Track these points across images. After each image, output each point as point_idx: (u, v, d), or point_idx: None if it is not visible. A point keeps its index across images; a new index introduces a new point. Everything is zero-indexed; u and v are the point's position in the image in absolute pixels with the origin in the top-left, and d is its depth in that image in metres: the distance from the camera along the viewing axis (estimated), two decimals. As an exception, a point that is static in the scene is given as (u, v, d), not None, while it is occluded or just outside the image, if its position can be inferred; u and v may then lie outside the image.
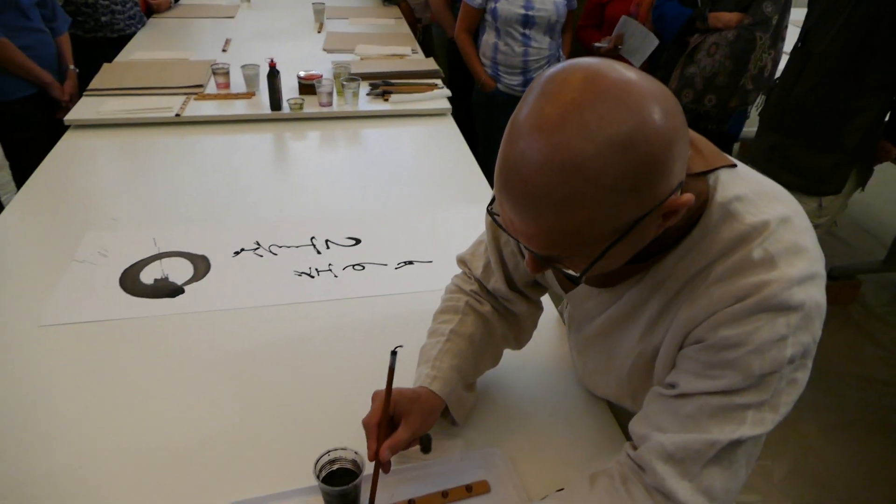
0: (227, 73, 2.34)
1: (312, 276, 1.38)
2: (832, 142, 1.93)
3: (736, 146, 3.07)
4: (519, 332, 1.07)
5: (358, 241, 1.51)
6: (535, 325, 1.09)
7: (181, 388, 1.09)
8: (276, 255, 1.45)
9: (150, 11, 3.39)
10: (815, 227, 0.72)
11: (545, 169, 0.57)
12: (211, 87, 2.36)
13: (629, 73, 0.59)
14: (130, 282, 1.35)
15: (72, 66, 2.62)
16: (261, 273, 1.39)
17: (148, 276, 1.37)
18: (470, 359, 0.99)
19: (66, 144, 1.99)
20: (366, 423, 0.87)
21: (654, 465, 0.73)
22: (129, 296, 1.31)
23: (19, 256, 1.44)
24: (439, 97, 2.35)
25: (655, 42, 2.55)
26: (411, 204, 1.70)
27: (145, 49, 2.82)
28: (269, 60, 2.15)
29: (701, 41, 2.39)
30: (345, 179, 1.82)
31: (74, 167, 1.86)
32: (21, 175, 2.61)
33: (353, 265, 1.42)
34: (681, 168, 0.63)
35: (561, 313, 1.24)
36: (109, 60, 2.62)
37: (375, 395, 0.90)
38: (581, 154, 0.56)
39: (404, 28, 3.37)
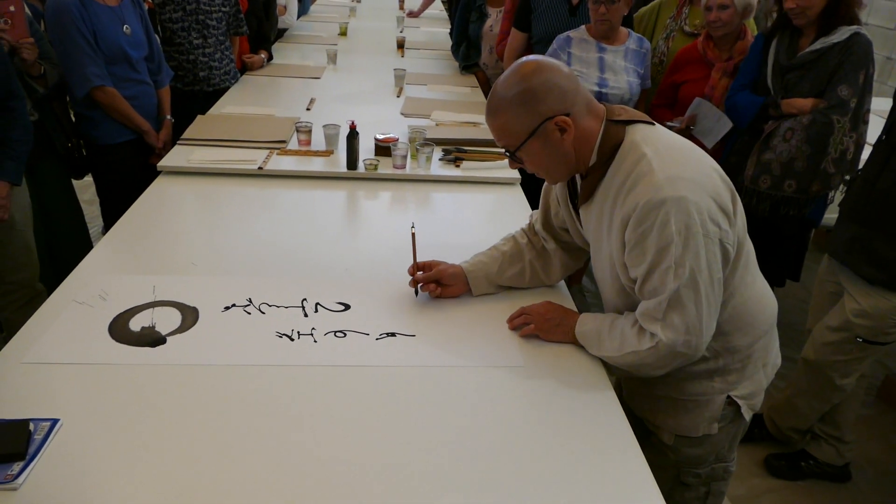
0: (309, 131, 2.45)
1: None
2: (918, 236, 1.86)
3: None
4: (547, 266, 1.57)
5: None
6: (563, 268, 1.57)
7: (141, 440, 1.11)
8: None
9: (245, 68, 3.62)
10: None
11: (491, 100, 1.26)
12: (293, 144, 2.48)
13: (543, 62, 1.23)
14: (119, 328, 1.39)
15: (168, 117, 2.81)
16: (263, 329, 1.42)
17: (137, 324, 1.40)
18: (496, 263, 1.55)
19: (156, 189, 2.12)
20: (409, 271, 1.52)
21: (639, 319, 1.24)
22: (113, 341, 1.34)
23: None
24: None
25: (729, 125, 2.53)
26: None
27: (236, 104, 3.01)
28: (350, 122, 2.25)
29: (776, 127, 2.37)
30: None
31: (161, 211, 1.98)
32: (108, 211, 2.78)
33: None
34: (557, 104, 1.20)
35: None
36: (203, 112, 2.80)
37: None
38: (502, 94, 1.23)
39: (479, 97, 3.47)
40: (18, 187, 2.14)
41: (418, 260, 1.53)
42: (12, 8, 2.16)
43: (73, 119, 2.66)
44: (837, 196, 2.40)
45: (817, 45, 2.29)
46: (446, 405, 1.23)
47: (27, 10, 2.29)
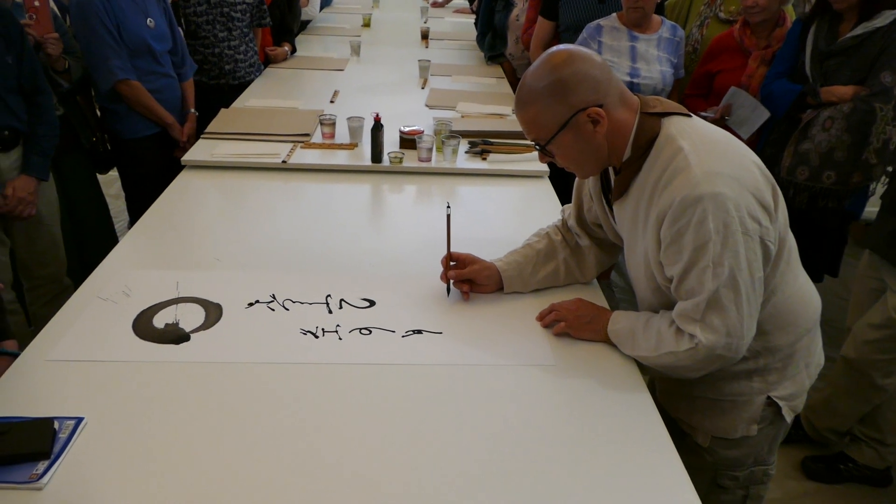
0: (333, 124, 2.42)
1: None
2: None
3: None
4: (581, 263, 1.53)
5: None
6: (597, 265, 1.53)
7: (162, 439, 1.09)
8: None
9: (268, 61, 3.60)
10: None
11: (521, 92, 1.22)
12: (317, 137, 2.45)
13: (574, 52, 1.19)
14: (142, 324, 1.37)
15: (192, 110, 2.81)
16: (284, 326, 1.40)
17: (161, 321, 1.38)
18: (531, 263, 1.50)
19: (181, 183, 2.11)
20: (442, 261, 1.48)
21: (676, 320, 1.19)
22: (137, 338, 1.32)
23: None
24: (537, 159, 2.34)
25: (766, 114, 2.45)
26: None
27: (260, 97, 2.99)
28: (375, 115, 2.22)
29: (814, 116, 2.28)
30: (438, 237, 1.82)
31: (185, 205, 1.96)
32: (134, 206, 2.79)
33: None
34: (589, 95, 1.16)
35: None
36: (227, 105, 2.79)
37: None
38: (532, 85, 1.19)
39: (505, 87, 3.41)
40: (46, 182, 2.14)
41: (452, 249, 1.48)
42: (37, 3, 2.16)
43: (98, 113, 2.67)
44: (879, 188, 2.31)
45: (859, 30, 2.20)
46: (475, 404, 1.19)
47: (52, 4, 2.29)
